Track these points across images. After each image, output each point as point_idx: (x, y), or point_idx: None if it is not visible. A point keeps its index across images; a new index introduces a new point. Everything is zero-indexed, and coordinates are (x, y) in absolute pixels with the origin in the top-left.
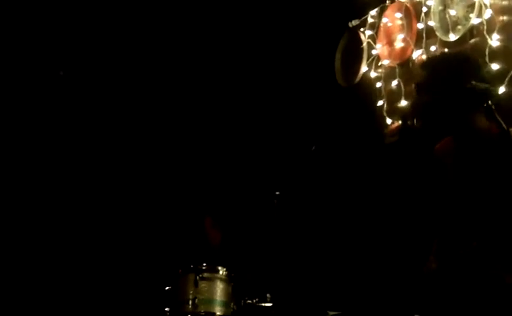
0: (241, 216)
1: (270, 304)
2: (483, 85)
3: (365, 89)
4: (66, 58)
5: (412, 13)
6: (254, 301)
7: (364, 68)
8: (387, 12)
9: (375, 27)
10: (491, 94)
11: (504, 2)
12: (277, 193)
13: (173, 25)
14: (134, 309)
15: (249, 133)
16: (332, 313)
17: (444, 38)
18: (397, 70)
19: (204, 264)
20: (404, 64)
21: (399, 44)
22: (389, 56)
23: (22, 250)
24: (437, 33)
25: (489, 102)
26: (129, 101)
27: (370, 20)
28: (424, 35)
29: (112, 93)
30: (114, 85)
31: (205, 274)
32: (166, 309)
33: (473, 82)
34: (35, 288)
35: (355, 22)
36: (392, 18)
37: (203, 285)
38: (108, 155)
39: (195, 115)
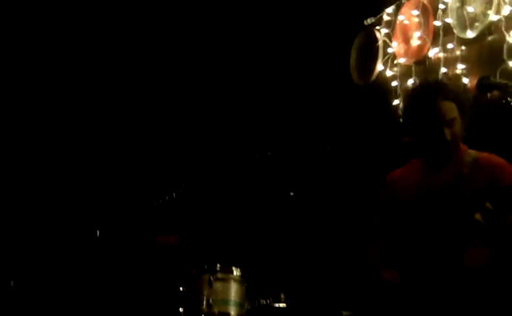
0: (255, 217)
1: (284, 304)
2: (502, 81)
3: (381, 88)
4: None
5: (429, 10)
6: (268, 301)
7: (379, 67)
8: (404, 9)
9: (391, 25)
10: (509, 91)
11: None
12: (291, 193)
13: (179, 17)
14: (148, 309)
15: (264, 133)
16: (345, 312)
17: (462, 35)
18: (413, 68)
19: (219, 265)
20: (420, 63)
21: (415, 42)
22: (406, 54)
23: (37, 245)
24: (455, 31)
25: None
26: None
27: (385, 17)
28: (441, 32)
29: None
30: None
31: (219, 275)
32: (181, 309)
33: (491, 78)
34: (44, 287)
35: (370, 20)
36: (408, 16)
37: (217, 285)
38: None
39: (208, 114)
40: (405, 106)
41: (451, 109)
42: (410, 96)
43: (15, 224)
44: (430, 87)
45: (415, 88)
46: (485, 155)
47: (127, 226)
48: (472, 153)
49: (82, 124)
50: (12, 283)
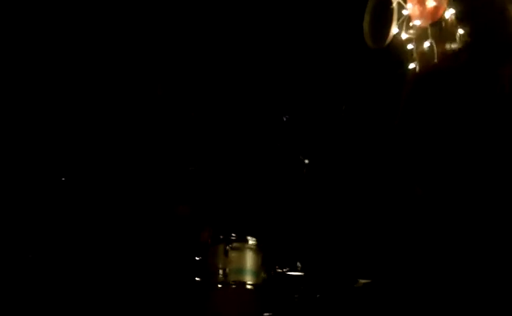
0: (270, 185)
1: (300, 273)
2: None
3: (396, 52)
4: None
5: None
6: (284, 270)
7: (394, 30)
8: None
9: None
10: None
11: None
12: (306, 161)
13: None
14: (165, 279)
15: (279, 100)
16: (362, 280)
17: None
18: (429, 30)
19: (234, 235)
20: (436, 24)
21: (430, 3)
22: (421, 16)
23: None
24: None
25: None
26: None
27: None
28: None
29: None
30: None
31: (235, 244)
32: (197, 279)
33: None
34: (62, 257)
35: None
36: None
37: (233, 255)
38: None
39: (222, 82)
40: None
41: None
42: None
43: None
44: None
45: None
46: None
47: (146, 196)
48: None
49: (102, 96)
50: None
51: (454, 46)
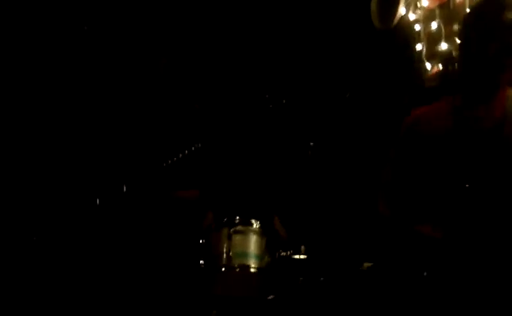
0: (275, 168)
1: (304, 256)
2: None
3: (403, 32)
4: None
5: None
6: (288, 253)
7: (402, 10)
8: None
9: None
10: None
11: None
12: (311, 143)
13: None
14: (169, 262)
15: (283, 81)
16: (367, 264)
17: None
18: (436, 11)
19: (238, 218)
20: (444, 5)
21: None
22: None
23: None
24: None
25: None
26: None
27: None
28: None
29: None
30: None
31: (239, 228)
32: (201, 262)
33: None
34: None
35: None
36: None
37: (236, 238)
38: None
39: (225, 63)
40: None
41: None
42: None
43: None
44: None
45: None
46: None
47: (148, 180)
48: None
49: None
50: (35, 238)
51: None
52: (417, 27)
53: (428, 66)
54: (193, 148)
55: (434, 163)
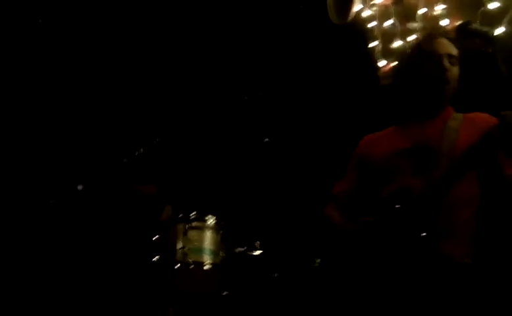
0: (230, 165)
1: (259, 252)
2: (483, 29)
3: (359, 29)
4: None
5: None
6: (243, 249)
7: (357, 6)
8: None
9: None
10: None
11: None
12: (266, 140)
13: None
14: (123, 259)
15: (239, 78)
16: (319, 260)
17: None
18: (392, 8)
19: (194, 214)
20: (399, 2)
21: None
22: None
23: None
24: None
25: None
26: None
27: None
28: None
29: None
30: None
31: (194, 224)
32: (155, 258)
33: (474, 25)
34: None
35: None
36: None
37: (192, 234)
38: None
39: (183, 61)
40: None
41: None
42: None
43: None
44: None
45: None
46: (475, 113)
47: (106, 176)
48: (459, 114)
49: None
50: None
51: (416, 25)
52: (372, 24)
53: (383, 63)
54: (152, 143)
55: (378, 179)
